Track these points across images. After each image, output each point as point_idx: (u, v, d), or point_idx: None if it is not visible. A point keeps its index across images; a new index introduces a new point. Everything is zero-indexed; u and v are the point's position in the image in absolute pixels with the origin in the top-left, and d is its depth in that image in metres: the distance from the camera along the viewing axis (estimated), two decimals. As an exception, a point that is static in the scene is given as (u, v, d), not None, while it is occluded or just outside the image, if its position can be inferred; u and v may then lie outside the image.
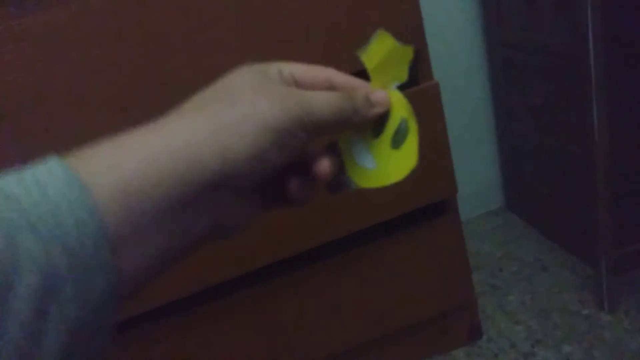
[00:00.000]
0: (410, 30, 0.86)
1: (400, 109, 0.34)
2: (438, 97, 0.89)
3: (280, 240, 0.90)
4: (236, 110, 0.26)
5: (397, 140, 0.34)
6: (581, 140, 1.10)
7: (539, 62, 1.19)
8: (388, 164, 0.34)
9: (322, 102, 0.29)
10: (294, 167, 0.32)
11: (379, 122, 0.34)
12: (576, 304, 1.15)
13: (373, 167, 0.34)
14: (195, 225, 0.27)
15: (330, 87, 0.33)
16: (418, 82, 0.87)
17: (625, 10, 1.00)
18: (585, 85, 0.96)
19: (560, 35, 1.08)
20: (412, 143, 0.34)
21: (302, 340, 0.99)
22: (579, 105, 1.07)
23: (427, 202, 0.96)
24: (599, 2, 0.89)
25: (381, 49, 0.33)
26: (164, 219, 0.24)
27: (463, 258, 1.04)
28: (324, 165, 0.31)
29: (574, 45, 1.03)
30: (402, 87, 0.36)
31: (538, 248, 1.36)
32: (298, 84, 0.31)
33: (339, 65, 0.35)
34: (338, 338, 1.01)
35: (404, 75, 0.34)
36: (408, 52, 0.34)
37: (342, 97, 0.31)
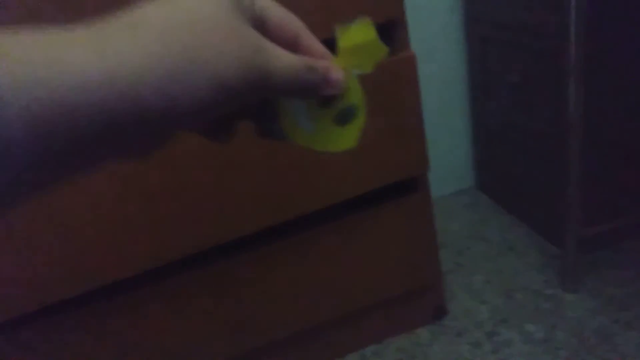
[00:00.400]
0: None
1: (354, 95, 0.34)
2: (414, 69, 0.85)
3: (242, 217, 0.86)
4: (197, 55, 0.23)
5: (341, 120, 0.34)
6: (555, 120, 1.08)
7: (516, 39, 1.16)
8: (326, 135, 0.34)
9: (284, 69, 0.27)
10: None
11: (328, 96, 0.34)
12: (541, 283, 1.15)
13: (310, 131, 0.34)
14: (105, 156, 0.23)
15: (295, 44, 0.30)
16: (395, 52, 0.83)
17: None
18: (562, 64, 0.94)
19: (539, 11, 1.05)
20: (355, 128, 0.34)
21: (264, 319, 0.96)
22: (554, 85, 1.05)
23: (397, 179, 0.93)
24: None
25: (359, 36, 0.33)
26: (73, 149, 0.20)
27: (431, 237, 1.02)
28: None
29: (552, 23, 1.00)
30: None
31: (506, 228, 1.36)
32: (265, 27, 0.29)
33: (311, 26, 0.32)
34: (302, 316, 0.98)
35: (369, 68, 0.33)
36: (382, 51, 0.33)
37: (305, 67, 0.29)
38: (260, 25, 0.28)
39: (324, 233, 0.94)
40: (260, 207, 0.86)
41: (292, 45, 0.30)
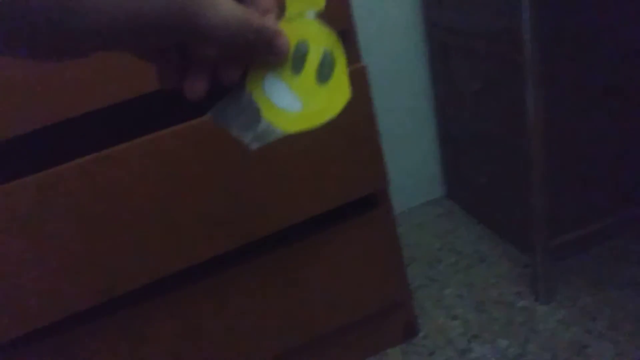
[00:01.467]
0: (335, 10, 0.78)
1: (322, 39, 0.30)
2: (365, 81, 0.81)
3: (195, 243, 0.81)
4: None
5: (323, 74, 0.30)
6: (516, 127, 1.06)
7: (475, 45, 1.14)
8: (317, 101, 0.30)
9: (221, 18, 0.25)
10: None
11: (297, 57, 0.30)
12: (513, 295, 1.12)
13: (299, 107, 0.30)
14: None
15: None
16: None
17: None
18: (520, 70, 0.92)
19: (494, 17, 1.03)
20: (340, 74, 0.30)
21: (227, 348, 0.91)
22: (514, 91, 1.02)
23: (356, 196, 0.89)
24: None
25: None
26: None
27: (397, 253, 0.99)
28: (195, 88, 0.28)
29: (506, 28, 0.98)
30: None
31: (477, 238, 1.33)
32: None
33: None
34: (266, 344, 0.94)
35: (321, 2, 0.30)
36: None
37: (250, 26, 0.26)
38: None
39: (284, 256, 0.90)
40: (214, 232, 0.81)
41: None
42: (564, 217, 1.09)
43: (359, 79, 0.81)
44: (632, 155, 1.14)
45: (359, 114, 0.83)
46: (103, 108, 0.72)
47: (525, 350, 0.99)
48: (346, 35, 0.82)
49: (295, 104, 0.30)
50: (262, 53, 0.29)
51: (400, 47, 1.36)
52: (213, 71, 0.29)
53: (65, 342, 0.80)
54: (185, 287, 0.85)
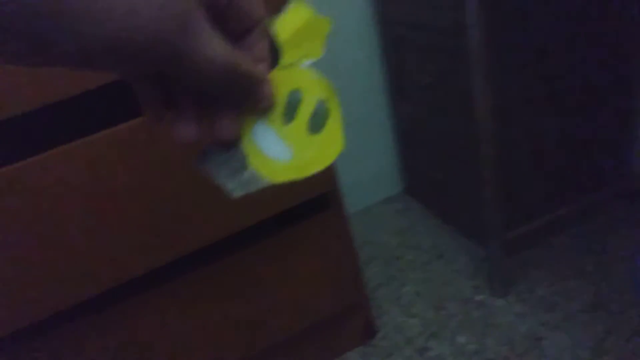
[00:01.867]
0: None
1: (316, 89, 0.30)
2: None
3: (136, 254, 0.76)
4: None
5: (316, 125, 0.30)
6: (466, 121, 1.05)
7: (426, 39, 1.13)
8: (307, 152, 0.29)
9: (212, 56, 0.23)
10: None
11: (290, 106, 0.30)
12: (470, 290, 1.12)
13: (288, 157, 0.29)
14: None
15: (247, 30, 0.27)
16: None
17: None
18: (467, 62, 0.90)
19: (443, 11, 1.01)
20: (334, 126, 0.30)
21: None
22: (463, 85, 1.01)
23: (305, 198, 0.86)
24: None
25: (296, 20, 0.30)
26: None
27: (352, 254, 0.96)
28: (182, 132, 0.26)
29: (454, 22, 0.97)
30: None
31: (435, 234, 1.33)
32: (231, 4, 0.26)
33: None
34: (219, 355, 0.89)
35: (318, 51, 0.30)
36: (324, 25, 0.31)
37: (240, 69, 0.25)
38: (225, 4, 0.25)
39: (233, 263, 0.86)
40: (154, 243, 0.77)
41: (241, 28, 0.27)
42: (518, 210, 1.09)
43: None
44: (583, 145, 1.15)
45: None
46: (27, 112, 0.66)
47: (483, 345, 0.98)
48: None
49: (285, 153, 0.29)
50: (247, 100, 0.27)
51: (352, 43, 1.34)
52: (205, 119, 0.27)
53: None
54: (127, 300, 0.80)
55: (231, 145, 0.29)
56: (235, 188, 0.29)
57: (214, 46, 0.23)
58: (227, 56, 0.24)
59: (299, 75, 0.30)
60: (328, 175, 0.87)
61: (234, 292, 0.88)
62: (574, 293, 1.03)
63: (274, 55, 0.29)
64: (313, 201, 0.89)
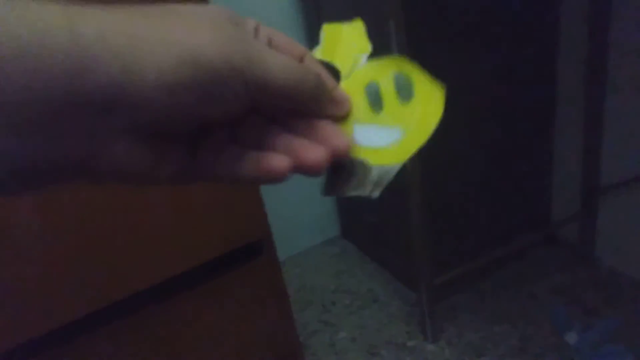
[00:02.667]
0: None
1: (385, 69, 0.30)
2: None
3: (56, 303, 0.71)
4: (165, 27, 0.21)
5: (405, 94, 0.29)
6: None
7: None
8: (413, 117, 0.29)
9: (279, 66, 0.23)
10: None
11: (372, 98, 0.30)
12: (403, 335, 1.12)
13: (399, 135, 0.29)
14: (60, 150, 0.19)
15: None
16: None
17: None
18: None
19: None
20: (423, 83, 0.29)
21: None
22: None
23: (233, 247, 0.85)
24: None
25: (334, 39, 0.32)
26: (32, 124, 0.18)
27: (284, 302, 0.95)
28: (275, 162, 0.24)
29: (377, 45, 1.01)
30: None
31: (370, 277, 1.34)
32: (272, 46, 0.26)
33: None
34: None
35: (366, 47, 0.31)
36: (358, 26, 0.32)
37: (307, 71, 0.25)
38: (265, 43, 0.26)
39: (155, 314, 0.82)
40: (65, 294, 0.72)
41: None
42: (447, 256, 1.12)
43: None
44: (505, 192, 1.21)
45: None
46: None
47: (415, 392, 0.98)
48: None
49: (395, 134, 0.29)
50: (323, 104, 0.27)
51: None
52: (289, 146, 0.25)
53: None
54: (42, 355, 0.74)
55: (345, 158, 0.27)
56: (372, 190, 0.28)
57: (284, 57, 0.24)
58: (300, 64, 0.25)
59: (362, 71, 0.30)
60: (258, 222, 0.86)
61: (154, 346, 0.84)
62: (501, 337, 1.06)
63: (333, 75, 0.29)
64: (244, 249, 0.88)
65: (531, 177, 1.27)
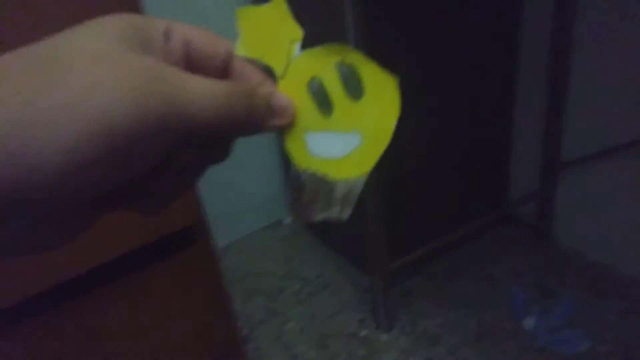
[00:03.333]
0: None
1: (325, 60, 0.25)
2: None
3: None
4: (55, 92, 0.16)
5: (355, 88, 0.25)
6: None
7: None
8: (372, 117, 0.25)
9: (203, 97, 0.19)
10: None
11: (318, 98, 0.25)
12: (355, 324, 1.05)
13: (358, 141, 0.25)
14: None
15: (225, 70, 0.24)
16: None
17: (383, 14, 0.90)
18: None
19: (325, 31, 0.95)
20: (374, 73, 0.24)
21: None
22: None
23: (165, 233, 0.73)
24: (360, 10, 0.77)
25: (254, 27, 0.27)
26: None
27: (222, 295, 0.84)
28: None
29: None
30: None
31: (321, 262, 1.25)
32: (191, 57, 0.22)
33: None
34: None
35: (296, 32, 0.26)
36: (279, 4, 0.26)
37: (235, 92, 0.21)
38: (182, 59, 0.22)
39: (80, 306, 0.70)
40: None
41: (223, 73, 0.24)
42: (400, 238, 1.04)
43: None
44: (466, 171, 1.15)
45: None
46: None
47: (367, 387, 0.91)
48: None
49: (353, 140, 0.25)
50: (262, 121, 0.24)
51: None
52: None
53: None
54: None
55: (299, 178, 0.26)
56: (341, 211, 0.25)
57: (206, 82, 0.20)
58: (226, 84, 0.21)
59: (300, 66, 0.26)
60: (189, 208, 0.75)
61: (79, 340, 0.73)
62: (457, 324, 1.01)
63: (268, 73, 0.26)
64: (173, 237, 0.77)
65: (489, 154, 1.20)
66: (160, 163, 0.20)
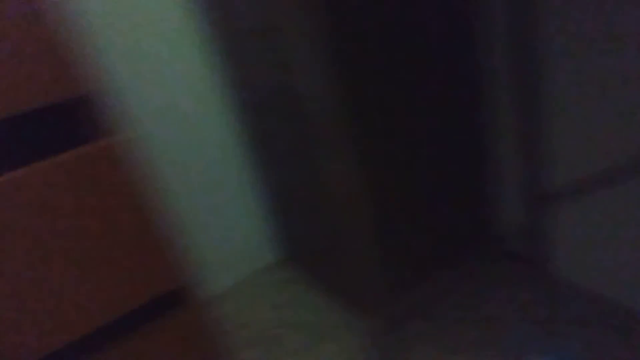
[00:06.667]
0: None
1: None
2: (124, 154, 0.63)
3: None
4: None
5: None
6: (341, 188, 0.96)
7: (274, 102, 1.03)
8: None
9: None
10: None
11: None
12: (356, 373, 0.99)
13: None
14: None
15: None
16: (87, 140, 0.61)
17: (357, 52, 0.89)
18: (325, 130, 0.82)
19: (292, 76, 0.93)
20: None
21: None
22: (316, 164, 0.92)
23: (146, 298, 0.69)
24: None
25: None
26: None
27: (209, 356, 0.80)
28: None
29: (304, 85, 0.89)
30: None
31: (318, 307, 1.20)
32: None
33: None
34: None
35: None
36: None
37: None
38: None
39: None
40: None
41: None
42: (395, 283, 1.00)
43: (111, 154, 0.63)
44: (460, 205, 1.11)
45: (125, 198, 0.64)
46: None
47: None
48: (83, 104, 0.63)
49: None
50: None
51: (199, 113, 1.21)
52: None
53: None
54: None
55: None
56: None
57: None
58: None
59: None
60: (173, 270, 0.71)
61: None
62: (462, 368, 0.95)
63: None
64: (158, 300, 0.73)
65: (474, 192, 1.17)
66: None
